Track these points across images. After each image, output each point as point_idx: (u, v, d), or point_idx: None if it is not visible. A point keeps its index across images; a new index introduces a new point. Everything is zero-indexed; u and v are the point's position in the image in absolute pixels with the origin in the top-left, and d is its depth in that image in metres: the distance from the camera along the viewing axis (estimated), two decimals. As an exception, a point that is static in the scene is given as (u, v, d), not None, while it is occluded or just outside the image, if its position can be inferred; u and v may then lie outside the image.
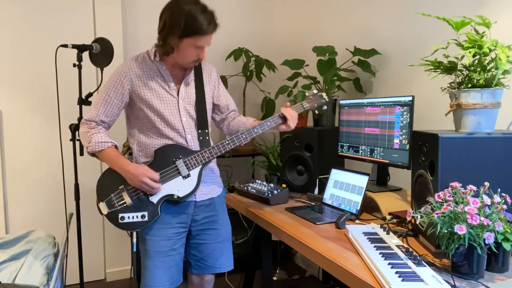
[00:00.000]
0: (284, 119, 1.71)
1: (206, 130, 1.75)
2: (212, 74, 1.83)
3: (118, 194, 1.65)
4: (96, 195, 1.67)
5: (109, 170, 1.67)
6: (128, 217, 1.64)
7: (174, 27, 1.53)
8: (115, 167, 1.64)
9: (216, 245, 1.80)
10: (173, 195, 1.65)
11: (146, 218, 1.64)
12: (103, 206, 1.65)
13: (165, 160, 1.66)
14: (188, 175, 1.67)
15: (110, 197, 1.65)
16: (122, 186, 1.65)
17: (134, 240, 1.71)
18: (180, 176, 1.66)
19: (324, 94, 1.85)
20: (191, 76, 1.75)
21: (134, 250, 1.70)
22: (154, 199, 1.65)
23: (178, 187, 1.66)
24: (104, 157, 1.65)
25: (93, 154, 1.66)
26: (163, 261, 1.68)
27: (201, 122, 1.74)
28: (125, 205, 1.64)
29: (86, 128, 1.66)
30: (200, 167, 1.68)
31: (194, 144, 1.72)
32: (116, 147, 1.67)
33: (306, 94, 1.85)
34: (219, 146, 1.67)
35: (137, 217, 1.64)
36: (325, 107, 1.87)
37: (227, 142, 1.67)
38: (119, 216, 1.64)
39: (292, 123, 1.70)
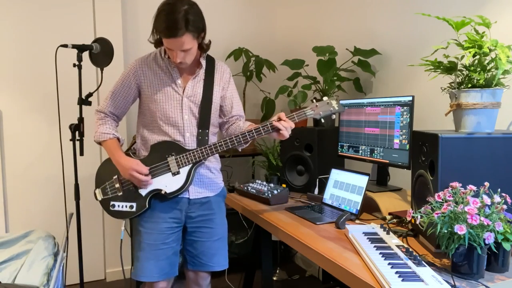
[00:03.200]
0: (276, 130, 1.63)
1: (207, 130, 1.76)
2: (225, 74, 1.83)
3: (112, 183, 1.76)
4: (94, 182, 1.79)
5: (108, 160, 1.78)
6: (118, 206, 1.74)
7: (153, 22, 1.61)
8: (111, 158, 1.75)
9: (211, 243, 1.81)
10: (161, 190, 1.70)
11: (134, 209, 1.72)
12: (98, 192, 1.77)
13: (158, 155, 1.71)
14: (178, 172, 1.69)
15: (105, 185, 1.77)
16: (116, 176, 1.75)
17: (122, 228, 1.86)
18: (170, 173, 1.69)
19: (334, 102, 1.68)
20: (201, 75, 1.77)
21: (122, 237, 1.86)
22: (143, 192, 1.71)
23: (166, 183, 1.70)
24: (105, 147, 1.76)
25: (99, 143, 1.77)
26: (154, 254, 1.72)
27: (203, 122, 1.75)
28: (116, 193, 1.74)
29: (96, 118, 1.80)
30: (190, 165, 1.70)
31: (191, 143, 1.73)
32: (118, 139, 1.77)
33: (314, 100, 1.72)
34: (211, 147, 1.67)
35: (126, 206, 1.73)
36: (333, 117, 1.73)
37: (220, 143, 1.67)
38: (110, 204, 1.74)
39: (286, 132, 1.63)
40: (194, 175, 1.71)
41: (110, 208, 1.74)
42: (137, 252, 1.76)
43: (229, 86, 1.85)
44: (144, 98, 1.76)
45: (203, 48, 1.72)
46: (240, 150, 1.76)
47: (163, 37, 1.58)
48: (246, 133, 1.65)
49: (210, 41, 1.74)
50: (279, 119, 1.63)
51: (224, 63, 1.86)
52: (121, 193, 1.73)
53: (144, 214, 1.73)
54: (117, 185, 1.74)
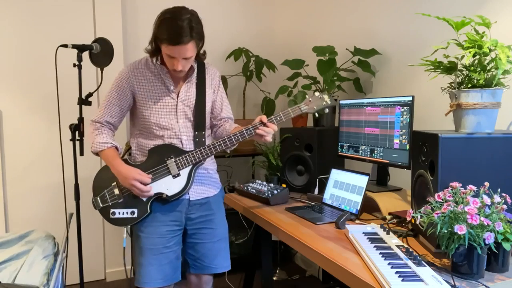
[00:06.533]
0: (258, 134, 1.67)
1: (203, 132, 1.77)
2: (215, 77, 1.85)
3: (111, 191, 1.73)
4: (92, 190, 1.76)
5: (105, 167, 1.75)
6: (119, 213, 1.71)
7: (154, 30, 1.61)
8: (110, 167, 1.71)
9: (212, 245, 1.81)
10: (162, 193, 1.69)
11: (136, 215, 1.70)
12: (97, 201, 1.74)
13: (157, 159, 1.70)
14: (178, 175, 1.69)
15: (103, 193, 1.74)
16: (115, 183, 1.72)
17: (124, 235, 1.84)
18: (170, 175, 1.69)
19: (326, 97, 1.75)
20: (193, 79, 1.78)
21: (124, 245, 1.86)
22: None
23: (167, 186, 1.69)
24: (103, 156, 1.73)
25: (97, 154, 1.75)
26: (156, 259, 1.71)
27: (198, 124, 1.76)
28: (116, 201, 1.71)
29: (92, 129, 1.76)
30: (190, 167, 1.70)
31: (189, 145, 1.74)
32: (116, 148, 1.74)
33: (307, 96, 1.77)
34: (210, 147, 1.68)
35: (127, 213, 1.70)
36: (326, 110, 1.78)
37: (218, 143, 1.68)
38: (111, 211, 1.72)
39: (269, 137, 1.66)
40: (194, 176, 1.71)
41: (111, 216, 1.71)
42: (138, 258, 1.74)
43: (219, 89, 1.87)
44: (137, 105, 1.73)
45: (199, 57, 1.73)
46: (228, 151, 1.77)
47: (168, 44, 1.54)
48: (232, 136, 1.68)
49: (205, 51, 1.76)
50: (261, 122, 1.66)
51: (213, 67, 1.87)
52: (121, 200, 1.70)
53: (145, 219, 1.71)
54: (116, 192, 1.71)
